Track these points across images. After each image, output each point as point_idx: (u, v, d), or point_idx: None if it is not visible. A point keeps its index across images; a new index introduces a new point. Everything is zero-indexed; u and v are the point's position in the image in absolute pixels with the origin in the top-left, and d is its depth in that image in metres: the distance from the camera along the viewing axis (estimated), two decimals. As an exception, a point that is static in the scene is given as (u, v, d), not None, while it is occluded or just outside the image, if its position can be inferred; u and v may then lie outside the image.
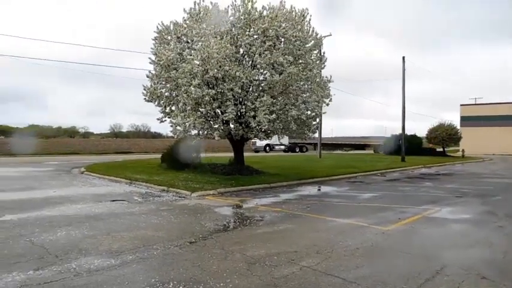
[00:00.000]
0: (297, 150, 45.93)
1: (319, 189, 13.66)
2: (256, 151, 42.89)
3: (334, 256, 5.57)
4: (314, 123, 15.65)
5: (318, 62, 14.97)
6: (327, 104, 15.08)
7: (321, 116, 15.78)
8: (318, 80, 14.58)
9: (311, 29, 14.55)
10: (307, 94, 14.13)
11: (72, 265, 4.85)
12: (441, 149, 42.39)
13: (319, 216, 8.50)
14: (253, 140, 43.72)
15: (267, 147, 43.98)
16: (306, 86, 14.22)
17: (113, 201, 9.95)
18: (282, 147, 45.48)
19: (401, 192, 13.26)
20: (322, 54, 15.08)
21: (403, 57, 31.46)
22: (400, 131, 33.88)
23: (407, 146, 32.76)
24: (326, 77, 15.30)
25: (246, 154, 17.82)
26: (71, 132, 69.18)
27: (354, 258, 5.48)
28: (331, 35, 21.81)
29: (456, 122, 47.75)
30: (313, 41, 14.71)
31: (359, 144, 53.21)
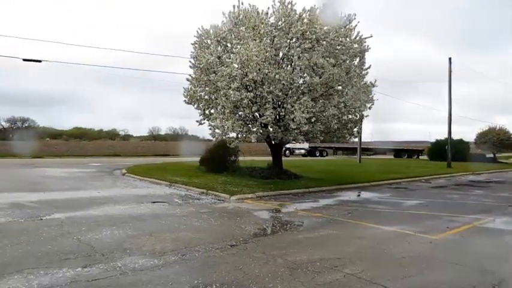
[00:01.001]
0: (317, 155, 44.28)
1: (360, 195, 13.28)
2: None
3: (379, 264, 5.35)
4: (355, 129, 15.27)
5: (361, 67, 14.61)
6: (369, 108, 14.67)
7: (361, 121, 15.35)
8: (359, 84, 14.22)
9: (358, 35, 14.20)
10: (348, 96, 13.79)
11: (118, 264, 4.96)
12: (491, 155, 39.95)
13: (361, 223, 8.23)
14: None
15: (287, 151, 40.80)
16: (347, 89, 13.88)
17: (154, 202, 10.16)
18: (302, 151, 43.16)
19: (448, 199, 12.61)
20: (363, 56, 14.66)
21: (450, 58, 30.10)
22: (445, 136, 32.37)
23: (454, 152, 31.15)
24: (370, 82, 14.89)
25: (268, 158, 17.69)
26: (112, 135, 71.82)
27: (400, 268, 5.23)
28: (371, 36, 21.22)
29: (509, 126, 44.77)
30: (358, 47, 14.35)
31: (397, 149, 49.75)
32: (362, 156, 34.68)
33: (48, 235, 6.34)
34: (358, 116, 14.74)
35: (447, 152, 29.84)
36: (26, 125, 65.18)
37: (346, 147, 48.45)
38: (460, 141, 38.82)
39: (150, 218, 8.18)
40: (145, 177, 15.90)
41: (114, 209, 8.97)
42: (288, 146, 39.85)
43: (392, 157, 46.87)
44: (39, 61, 18.02)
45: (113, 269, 4.78)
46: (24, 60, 18.06)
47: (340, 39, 13.50)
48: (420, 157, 47.28)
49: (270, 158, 16.73)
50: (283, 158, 17.04)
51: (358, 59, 14.62)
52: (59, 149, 38.86)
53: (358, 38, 14.23)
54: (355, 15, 14.06)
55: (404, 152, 48.57)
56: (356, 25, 14.16)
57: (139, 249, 5.68)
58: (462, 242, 6.84)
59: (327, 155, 46.31)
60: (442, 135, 41.47)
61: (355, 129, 15.43)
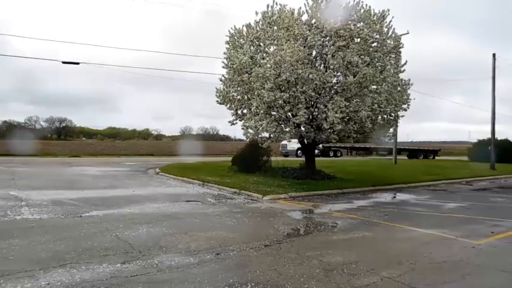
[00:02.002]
0: (331, 155, 42.51)
1: (396, 197, 12.89)
2: (286, 155, 37.78)
3: (418, 268, 5.15)
4: (391, 130, 14.86)
5: (396, 64, 14.19)
6: (405, 109, 14.23)
7: (397, 121, 14.88)
8: (395, 83, 13.81)
9: (391, 31, 13.80)
10: (383, 97, 13.43)
11: (155, 261, 5.05)
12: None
13: (398, 225, 7.99)
14: (283, 143, 39.01)
15: (299, 151, 37.40)
16: (382, 88, 13.52)
17: (188, 201, 10.31)
18: (315, 151, 42.88)
19: (492, 203, 12.00)
20: (399, 54, 14.21)
21: (494, 54, 28.52)
22: (487, 136, 30.75)
23: (498, 153, 29.47)
24: (405, 80, 14.43)
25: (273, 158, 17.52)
26: (145, 134, 73.82)
27: (441, 272, 5.01)
28: (408, 33, 20.50)
29: None
30: (392, 43, 13.96)
31: (412, 150, 46.26)
32: (375, 157, 32.86)
33: (88, 231, 6.57)
34: (393, 116, 14.34)
35: (491, 152, 28.34)
36: (64, 125, 68.26)
37: (362, 147, 46.42)
38: (505, 141, 36.67)
39: (184, 216, 8.30)
40: (178, 177, 16.18)
41: (150, 207, 9.17)
42: (300, 145, 38.88)
43: (406, 158, 43.99)
44: (77, 63, 18.76)
45: (150, 265, 4.87)
46: (64, 62, 18.91)
47: (374, 35, 13.18)
48: (436, 157, 45.11)
49: (303, 159, 16.59)
50: (295, 158, 16.83)
51: (393, 57, 14.22)
52: (94, 148, 40.54)
53: (392, 34, 13.84)
54: (389, 10, 13.69)
55: (420, 152, 45.87)
56: (391, 20, 13.79)
57: (174, 247, 5.77)
58: (509, 248, 6.47)
59: (341, 155, 44.52)
60: (483, 135, 39.27)
61: (391, 130, 15.02)
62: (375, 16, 13.54)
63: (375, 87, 13.57)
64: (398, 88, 14.07)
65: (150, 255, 5.30)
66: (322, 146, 40.25)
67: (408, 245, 6.45)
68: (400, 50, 14.21)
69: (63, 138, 65.07)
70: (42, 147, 38.91)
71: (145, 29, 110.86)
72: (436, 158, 45.36)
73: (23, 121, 64.39)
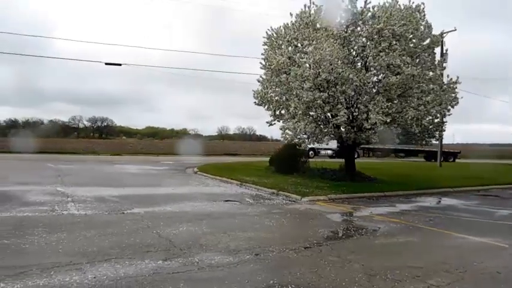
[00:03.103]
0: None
1: (442, 201, 12.28)
2: None
3: (468, 278, 4.85)
4: (437, 132, 14.21)
5: (438, 60, 13.56)
6: (452, 107, 13.56)
7: (443, 121, 14.19)
8: (440, 82, 13.20)
9: (427, 26, 13.23)
10: (429, 97, 12.85)
11: (195, 259, 5.09)
12: None
13: (445, 231, 7.58)
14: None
15: (311, 152, 35.16)
16: (427, 88, 12.94)
17: (226, 201, 10.36)
18: (329, 152, 38.03)
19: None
20: (444, 51, 13.57)
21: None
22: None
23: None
24: (451, 78, 13.76)
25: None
26: (182, 134, 75.25)
27: (494, 283, 4.71)
28: (455, 29, 19.56)
29: None
30: (429, 39, 13.37)
31: (429, 151, 42.11)
32: (389, 159, 30.21)
33: (130, 228, 6.74)
34: (439, 117, 13.70)
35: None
36: (105, 124, 71.15)
37: (379, 148, 43.30)
38: None
39: (223, 216, 8.35)
40: (216, 176, 16.34)
41: (189, 206, 9.30)
42: (312, 145, 35.98)
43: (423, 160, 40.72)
44: (120, 64, 19.50)
45: (191, 263, 4.92)
46: (107, 64, 19.70)
47: (416, 33, 12.64)
48: (456, 160, 41.35)
49: (342, 160, 16.26)
50: (334, 160, 16.35)
51: (438, 55, 13.61)
52: (134, 147, 41.92)
53: (429, 28, 13.24)
54: (423, 3, 13.16)
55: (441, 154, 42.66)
56: (425, 14, 13.20)
57: (214, 246, 5.79)
58: None
59: (358, 157, 42.04)
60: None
61: (437, 132, 14.35)
62: (415, 12, 13.01)
63: (420, 87, 13.00)
64: (444, 87, 13.44)
65: (190, 253, 5.35)
66: (337, 147, 37.47)
67: (456, 253, 6.10)
68: (443, 44, 13.55)
69: (104, 137, 67.88)
70: (85, 145, 40.98)
71: (182, 28, 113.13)
72: (458, 160, 41.86)
73: (67, 120, 67.67)
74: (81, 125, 70.12)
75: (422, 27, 13.22)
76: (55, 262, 4.72)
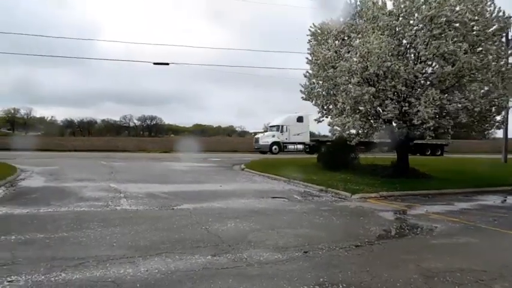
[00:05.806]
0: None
1: (507, 200, 11.36)
2: (262, 152, 33.60)
3: (540, 284, 4.40)
4: (498, 117, 13.11)
5: (503, 48, 12.49)
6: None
7: (508, 112, 13.08)
8: (503, 69, 12.15)
9: (496, 10, 12.19)
10: (488, 88, 11.90)
11: (244, 255, 5.09)
12: None
13: (511, 232, 6.99)
14: (256, 136, 36.73)
15: (274, 147, 33.26)
16: (485, 77, 11.96)
17: (274, 198, 10.30)
18: (299, 146, 34.41)
19: None
20: (510, 37, 12.46)
21: None
22: None
23: None
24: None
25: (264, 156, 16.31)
26: (229, 131, 75.85)
27: None
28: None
29: None
30: (496, 25, 12.31)
31: (439, 145, 36.01)
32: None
33: (180, 223, 6.88)
34: (497, 106, 12.64)
35: None
36: (154, 122, 73.59)
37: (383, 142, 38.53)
38: None
39: (271, 212, 8.29)
40: (263, 173, 16.32)
41: (236, 203, 9.36)
42: (276, 140, 33.15)
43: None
44: (167, 64, 20.11)
45: (240, 259, 4.92)
46: (155, 63, 20.39)
47: (476, 18, 11.72)
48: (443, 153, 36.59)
49: (394, 156, 15.57)
50: (286, 156, 15.51)
51: (499, 40, 12.52)
52: (180, 145, 42.92)
53: (499, 14, 12.15)
54: None
55: (427, 147, 35.86)
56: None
57: (262, 242, 5.75)
58: None
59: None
60: None
61: (498, 118, 13.21)
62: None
63: (475, 76, 12.06)
64: (506, 75, 12.34)
65: (239, 249, 5.36)
66: (311, 140, 35.51)
67: (525, 255, 5.60)
68: (509, 30, 12.45)
69: (153, 135, 70.24)
70: (136, 143, 42.87)
71: (227, 26, 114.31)
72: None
73: (118, 119, 70.62)
74: (131, 124, 72.96)
75: (489, 10, 12.20)
76: (110, 255, 4.92)
